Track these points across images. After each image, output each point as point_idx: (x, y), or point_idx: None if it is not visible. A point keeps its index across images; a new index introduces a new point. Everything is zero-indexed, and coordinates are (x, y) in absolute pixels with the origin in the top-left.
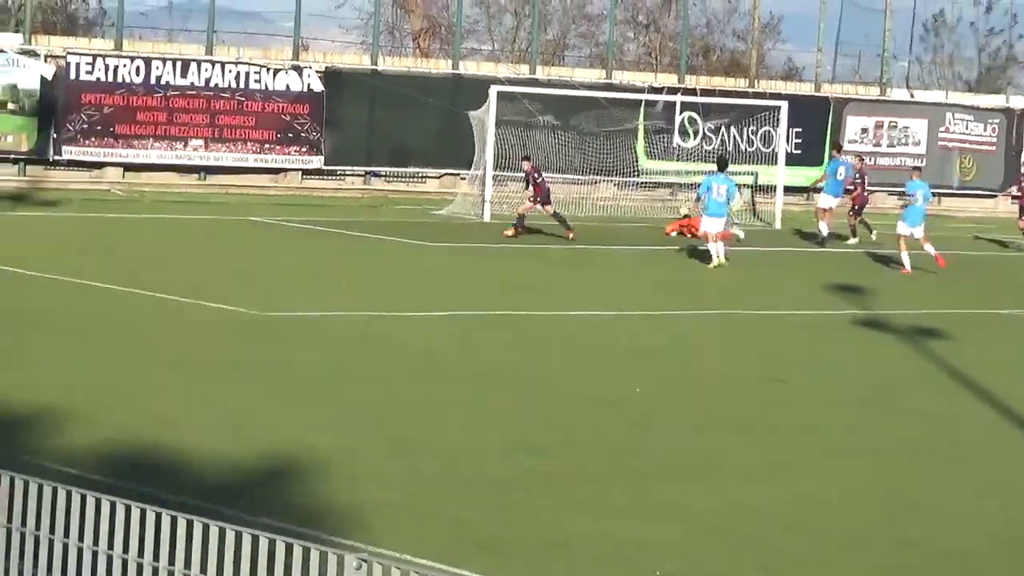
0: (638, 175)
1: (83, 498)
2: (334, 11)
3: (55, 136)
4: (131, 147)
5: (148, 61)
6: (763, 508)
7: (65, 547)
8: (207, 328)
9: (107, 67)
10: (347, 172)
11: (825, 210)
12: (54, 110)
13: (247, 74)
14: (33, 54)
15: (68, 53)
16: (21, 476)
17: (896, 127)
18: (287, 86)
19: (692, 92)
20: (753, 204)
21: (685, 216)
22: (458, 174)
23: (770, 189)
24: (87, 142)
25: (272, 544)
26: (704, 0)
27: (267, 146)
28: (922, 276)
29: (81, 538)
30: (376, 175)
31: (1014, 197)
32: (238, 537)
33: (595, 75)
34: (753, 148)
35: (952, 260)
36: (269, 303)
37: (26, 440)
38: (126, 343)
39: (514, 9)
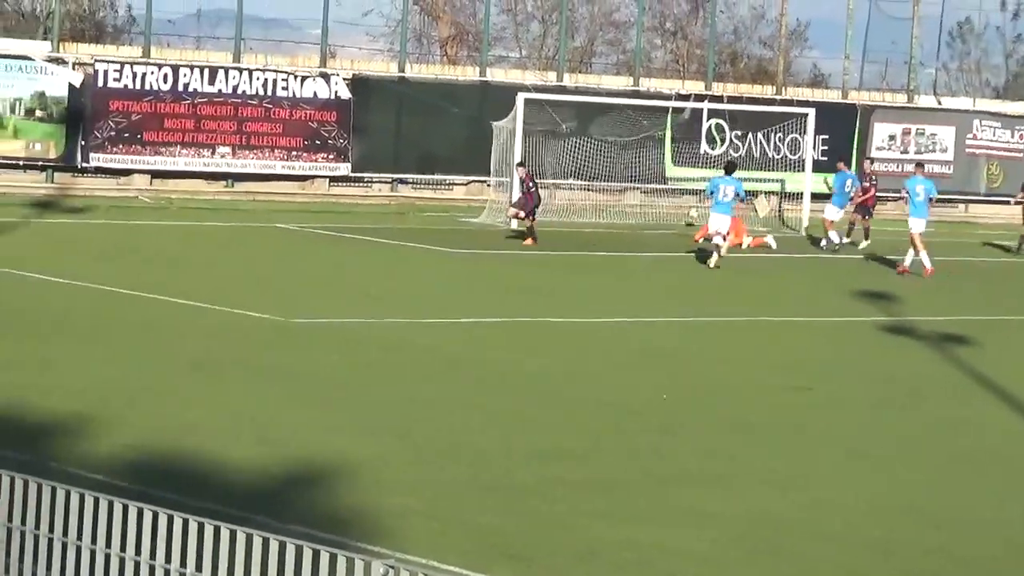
0: (665, 182)
1: (110, 504)
2: (361, 18)
3: (83, 143)
4: (159, 154)
5: (176, 68)
6: (786, 514)
7: (93, 554)
8: (232, 334)
9: (135, 75)
10: (374, 179)
11: (832, 222)
12: (82, 117)
13: (274, 81)
14: (61, 62)
15: (96, 61)
16: (48, 483)
17: (923, 134)
18: (314, 93)
19: (719, 99)
20: (780, 211)
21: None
22: (485, 181)
23: (797, 196)
24: (115, 149)
25: (299, 551)
26: (731, 7)
27: (294, 153)
28: (942, 281)
29: (109, 544)
30: (403, 182)
31: (1017, 202)
32: (265, 543)
33: (622, 82)
34: (780, 155)
35: (979, 266)
36: (295, 309)
37: (53, 446)
38: (152, 349)
39: (541, 16)
